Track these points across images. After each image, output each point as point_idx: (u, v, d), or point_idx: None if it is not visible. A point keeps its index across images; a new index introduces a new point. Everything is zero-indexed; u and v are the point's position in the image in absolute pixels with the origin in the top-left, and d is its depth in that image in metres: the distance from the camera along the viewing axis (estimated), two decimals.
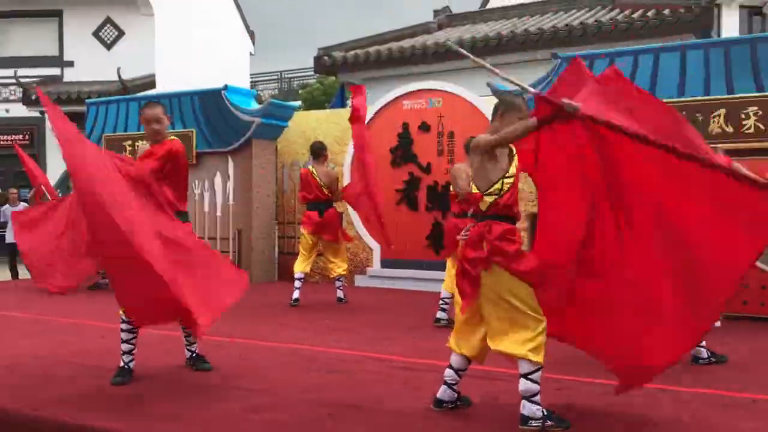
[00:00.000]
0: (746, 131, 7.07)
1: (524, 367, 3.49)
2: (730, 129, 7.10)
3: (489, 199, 3.61)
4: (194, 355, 4.86)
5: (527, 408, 3.49)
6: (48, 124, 17.43)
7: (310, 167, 8.11)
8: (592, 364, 5.04)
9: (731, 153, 7.00)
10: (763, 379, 4.67)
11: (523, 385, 3.49)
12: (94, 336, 6.13)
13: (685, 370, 4.80)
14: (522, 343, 3.48)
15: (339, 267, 8.14)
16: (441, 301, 6.72)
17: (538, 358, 3.47)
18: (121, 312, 4.53)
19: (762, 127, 7.00)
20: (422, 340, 5.97)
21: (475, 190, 3.67)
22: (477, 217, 3.73)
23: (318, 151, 8.09)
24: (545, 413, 3.49)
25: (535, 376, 3.48)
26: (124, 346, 4.57)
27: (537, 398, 3.49)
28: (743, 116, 7.05)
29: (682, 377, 4.60)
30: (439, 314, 6.72)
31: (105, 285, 9.61)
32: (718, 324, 6.08)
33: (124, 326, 4.57)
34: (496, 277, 3.56)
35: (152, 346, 5.35)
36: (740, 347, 5.57)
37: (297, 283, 7.96)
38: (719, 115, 7.12)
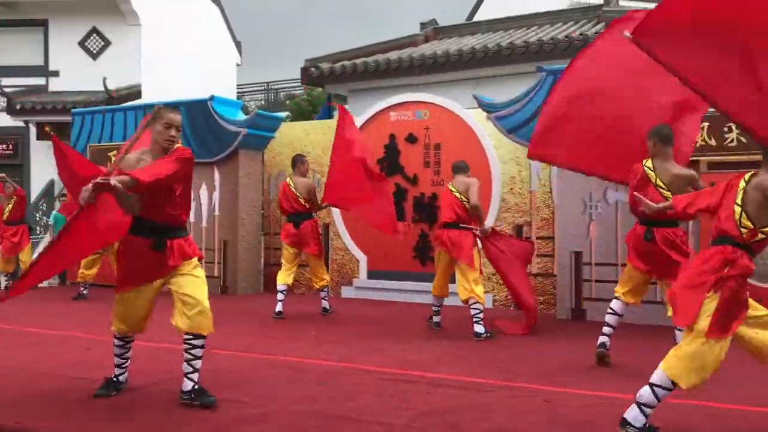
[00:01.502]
0: (729, 144, 7.17)
1: (660, 379, 3.52)
2: (713, 142, 7.19)
3: (761, 236, 3.63)
4: (196, 387, 4.24)
5: (633, 413, 3.51)
6: (33, 134, 17.33)
7: (288, 179, 8.17)
8: (581, 375, 5.08)
9: (714, 166, 7.15)
10: (747, 389, 4.71)
11: (646, 392, 3.52)
12: (79, 347, 6.08)
13: None
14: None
15: (321, 279, 8.18)
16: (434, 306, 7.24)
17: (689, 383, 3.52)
18: (113, 328, 4.46)
19: (744, 140, 7.09)
20: (410, 352, 5.98)
21: (747, 223, 3.62)
22: (726, 242, 3.67)
23: (296, 163, 8.18)
24: (646, 427, 3.51)
25: (662, 393, 3.51)
26: (116, 360, 4.53)
27: (648, 411, 3.50)
28: (726, 129, 7.15)
29: None
30: (436, 318, 7.25)
31: (87, 296, 9.56)
32: None
33: (116, 341, 4.51)
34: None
35: (140, 358, 5.31)
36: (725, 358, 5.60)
37: (280, 296, 7.95)
38: (702, 129, 7.20)
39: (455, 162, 7.35)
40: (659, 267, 5.23)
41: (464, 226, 6.83)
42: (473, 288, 6.59)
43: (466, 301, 6.67)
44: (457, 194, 6.86)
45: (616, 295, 5.47)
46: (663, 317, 5.40)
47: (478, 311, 6.58)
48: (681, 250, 5.13)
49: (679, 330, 5.06)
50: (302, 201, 8.00)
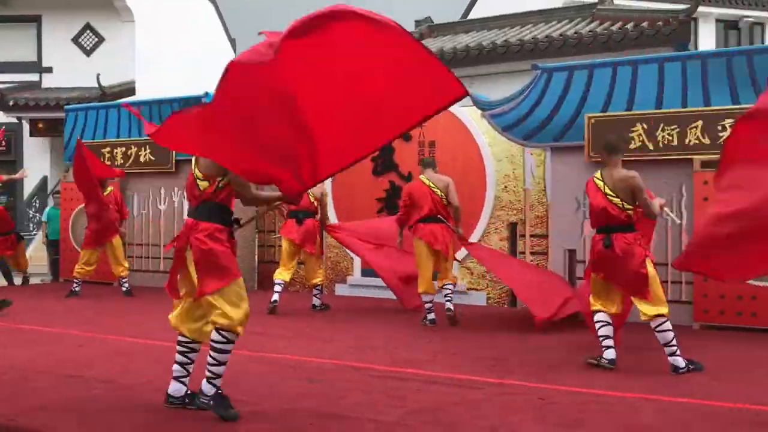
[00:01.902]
0: (723, 143, 7.16)
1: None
2: (707, 140, 7.19)
3: None
4: (188, 391, 4.18)
5: None
6: (26, 131, 17.28)
7: None
8: (574, 373, 5.09)
9: (707, 164, 7.16)
10: (742, 387, 4.72)
11: None
12: (71, 345, 6.06)
13: (666, 380, 4.85)
14: None
15: (316, 277, 8.24)
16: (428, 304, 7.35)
17: None
18: (239, 329, 4.13)
19: None
20: (403, 350, 5.98)
21: None
22: None
23: None
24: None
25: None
26: (223, 369, 4.12)
27: None
28: (720, 128, 7.15)
29: (662, 386, 4.65)
30: (431, 316, 7.30)
31: (79, 293, 9.51)
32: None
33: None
34: None
35: (133, 356, 5.30)
36: (719, 356, 5.63)
37: (276, 287, 7.96)
38: (696, 127, 7.21)
39: (424, 158, 8.09)
40: (611, 272, 5.19)
41: (443, 220, 7.19)
42: (448, 275, 7.30)
43: (441, 287, 7.29)
44: (437, 191, 7.19)
45: (595, 309, 5.34)
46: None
47: (449, 291, 7.28)
48: (637, 257, 5.07)
49: (658, 332, 5.05)
50: (311, 199, 8.09)
